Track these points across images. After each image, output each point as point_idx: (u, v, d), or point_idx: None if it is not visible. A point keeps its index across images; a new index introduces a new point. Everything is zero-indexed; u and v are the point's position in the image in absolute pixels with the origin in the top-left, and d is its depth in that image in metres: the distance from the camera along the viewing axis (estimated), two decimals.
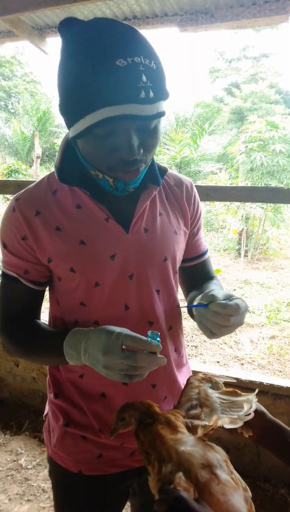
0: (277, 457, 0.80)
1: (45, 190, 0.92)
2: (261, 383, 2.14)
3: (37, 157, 14.10)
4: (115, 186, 0.84)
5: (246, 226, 7.64)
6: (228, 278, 6.30)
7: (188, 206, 1.03)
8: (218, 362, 3.50)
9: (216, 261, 7.61)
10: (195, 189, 1.07)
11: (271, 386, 2.12)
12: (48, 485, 2.12)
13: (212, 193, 2.07)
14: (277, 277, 6.56)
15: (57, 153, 0.94)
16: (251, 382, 2.14)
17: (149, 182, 0.94)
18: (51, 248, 0.89)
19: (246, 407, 0.75)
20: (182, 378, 1.05)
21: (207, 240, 9.26)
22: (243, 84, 25.03)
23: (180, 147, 10.44)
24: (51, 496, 2.05)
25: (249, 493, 0.67)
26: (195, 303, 0.89)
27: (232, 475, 0.66)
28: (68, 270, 0.89)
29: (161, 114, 0.76)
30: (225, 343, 3.91)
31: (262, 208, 7.21)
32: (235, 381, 0.84)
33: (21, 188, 0.96)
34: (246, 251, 7.80)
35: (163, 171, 1.00)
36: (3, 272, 0.95)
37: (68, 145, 0.92)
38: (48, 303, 1.02)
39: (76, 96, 0.73)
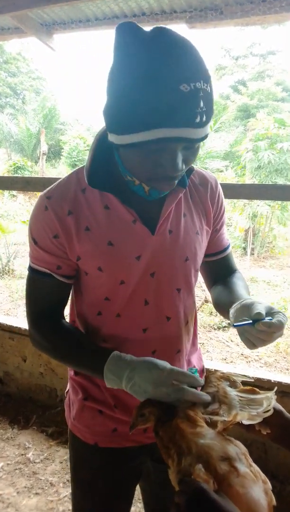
0: None
1: (75, 188, 0.93)
2: (268, 381, 2.14)
3: (43, 154, 14.13)
4: (149, 193, 0.88)
5: (252, 224, 7.62)
6: None
7: (211, 205, 1.05)
8: (224, 359, 3.50)
9: None
10: (219, 187, 1.09)
11: (279, 383, 2.12)
12: (56, 478, 2.14)
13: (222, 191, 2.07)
14: (284, 275, 6.54)
15: (88, 154, 0.95)
16: (258, 379, 2.15)
17: (177, 184, 0.95)
18: (81, 247, 0.92)
19: (265, 403, 0.75)
20: (195, 361, 1.12)
21: None
22: (250, 82, 24.88)
23: None
24: (59, 490, 2.07)
25: (269, 485, 0.67)
26: (231, 312, 0.90)
27: (251, 468, 0.67)
28: (96, 269, 0.93)
29: (207, 135, 0.80)
30: (232, 341, 3.91)
31: (269, 206, 7.19)
32: (253, 380, 0.85)
33: (30, 185, 0.98)
34: (252, 249, 7.78)
35: (189, 170, 1.01)
36: (32, 269, 0.98)
37: (100, 147, 0.93)
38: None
39: (133, 109, 0.74)
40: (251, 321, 0.81)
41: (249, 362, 3.46)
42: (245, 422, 0.72)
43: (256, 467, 0.68)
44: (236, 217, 8.54)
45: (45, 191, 0.96)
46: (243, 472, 0.64)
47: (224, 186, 2.20)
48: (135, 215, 0.92)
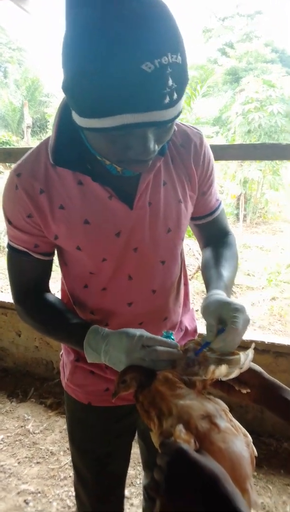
0: (276, 415, 0.81)
1: (45, 163, 0.86)
2: (262, 342, 2.15)
3: (28, 127, 13.78)
4: (122, 172, 0.83)
5: (244, 190, 7.55)
6: None
7: (195, 167, 0.97)
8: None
9: None
10: (205, 144, 0.99)
11: (273, 344, 2.13)
12: (56, 447, 2.17)
13: None
14: (277, 240, 6.54)
15: (51, 130, 0.87)
16: (252, 341, 2.15)
17: None
18: (56, 226, 0.88)
19: (242, 357, 0.75)
20: (187, 322, 1.13)
21: None
22: (238, 44, 24.17)
23: None
24: (60, 458, 2.10)
25: (250, 438, 0.68)
26: (201, 306, 0.86)
27: (231, 423, 0.67)
28: (75, 248, 0.90)
29: (180, 112, 0.71)
30: None
31: (260, 170, 7.10)
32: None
33: (12, 157, 0.92)
34: (244, 216, 7.74)
35: None
36: (11, 246, 0.95)
37: (64, 121, 0.83)
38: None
39: (92, 93, 0.64)
40: (208, 342, 0.80)
41: None
42: (223, 378, 0.72)
43: (236, 422, 0.69)
44: (227, 184, 8.46)
45: (14, 166, 0.89)
46: (223, 427, 0.65)
47: (212, 147, 2.14)
48: (111, 191, 0.86)
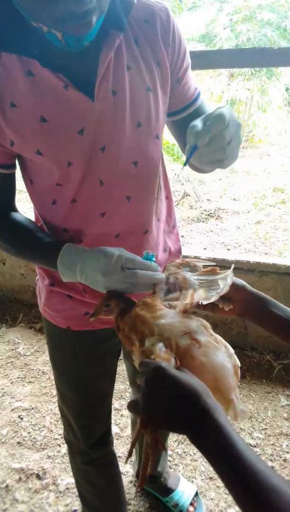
0: (261, 327, 0.81)
1: None
2: (247, 262, 2.17)
3: None
4: (66, 42, 0.69)
5: None
6: None
7: (165, 47, 0.83)
8: (205, 248, 3.54)
9: None
10: (172, 19, 0.85)
11: (258, 263, 2.15)
12: (47, 367, 2.24)
13: (192, 60, 1.85)
14: (263, 164, 6.40)
15: None
16: (238, 261, 2.16)
17: (109, 26, 0.74)
18: (11, 129, 0.77)
19: (221, 283, 0.72)
20: (169, 244, 1.08)
21: None
22: None
23: None
24: (51, 377, 2.17)
25: (231, 350, 0.67)
26: (185, 155, 0.75)
27: (212, 337, 0.67)
28: (35, 154, 0.79)
29: None
30: (212, 231, 3.92)
31: (248, 89, 6.75)
32: (214, 263, 0.82)
33: None
34: None
35: (127, 4, 0.77)
36: None
37: (4, 6, 0.70)
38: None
39: None
40: (194, 146, 0.69)
41: (229, 250, 3.50)
42: (204, 302, 0.69)
43: (217, 336, 0.68)
44: (214, 106, 8.08)
45: None
46: (204, 341, 0.64)
47: (195, 54, 1.97)
48: (65, 79, 0.74)
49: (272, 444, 1.78)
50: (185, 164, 0.76)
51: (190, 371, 0.60)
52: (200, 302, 0.70)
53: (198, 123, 0.69)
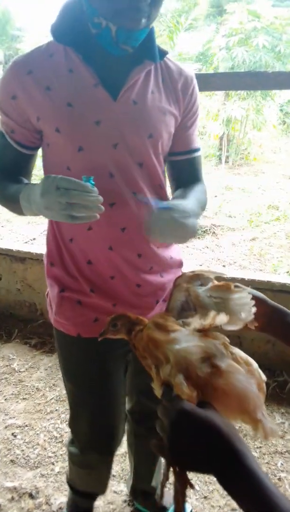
0: (282, 342, 0.78)
1: (42, 52, 0.95)
2: (242, 279, 2.18)
3: None
4: (116, 38, 0.85)
5: (227, 130, 7.36)
6: (209, 185, 6.12)
7: (183, 95, 1.03)
8: (201, 265, 3.56)
9: None
10: (195, 83, 1.07)
11: (253, 281, 2.17)
12: (42, 384, 2.23)
13: None
14: (258, 182, 6.49)
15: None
16: (233, 278, 2.18)
17: (145, 57, 0.95)
18: (40, 106, 0.93)
19: (243, 314, 0.69)
20: (171, 254, 1.14)
21: None
22: None
23: None
24: (46, 394, 2.16)
25: (254, 366, 0.64)
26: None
27: (233, 356, 0.64)
28: (54, 130, 0.93)
29: None
30: (207, 247, 3.95)
31: (244, 109, 6.89)
32: (226, 275, 0.81)
33: None
34: (227, 157, 7.60)
35: (163, 52, 1.00)
36: None
37: (68, 5, 0.93)
38: None
39: None
40: (162, 206, 0.83)
41: (225, 266, 3.53)
42: (228, 327, 0.67)
43: (238, 352, 0.66)
44: (210, 125, 8.22)
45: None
46: (225, 367, 0.61)
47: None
48: (97, 78, 0.91)
49: (267, 463, 1.78)
50: (161, 207, 0.86)
51: (213, 400, 0.58)
52: (220, 326, 0.66)
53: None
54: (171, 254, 1.14)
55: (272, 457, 1.80)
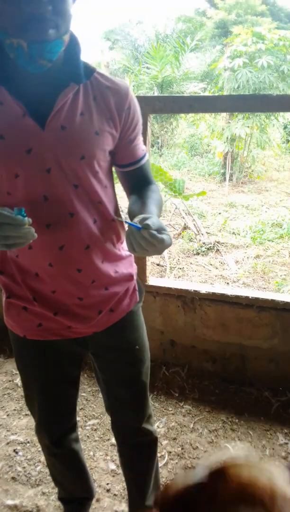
0: None
1: None
2: (246, 297, 2.19)
3: None
4: (30, 53, 0.86)
5: (231, 148, 7.44)
6: (213, 203, 6.25)
7: (118, 111, 1.05)
8: (204, 281, 3.57)
9: (201, 186, 7.51)
10: (131, 96, 1.09)
11: (256, 299, 2.17)
12: None
13: (196, 104, 1.94)
14: (262, 199, 6.53)
15: None
16: (237, 296, 2.19)
17: (69, 80, 0.97)
18: None
19: None
20: (116, 268, 1.19)
21: (190, 165, 9.05)
22: None
23: (161, 65, 9.79)
24: None
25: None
26: (135, 220, 0.96)
27: None
28: None
29: None
30: (211, 264, 3.96)
31: (248, 127, 6.97)
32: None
33: None
34: (231, 175, 7.67)
35: (90, 70, 1.02)
36: None
37: None
38: None
39: None
40: (140, 227, 0.90)
41: (228, 283, 3.53)
42: None
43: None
44: (214, 142, 8.31)
45: None
46: None
47: (199, 99, 2.08)
48: (24, 109, 0.94)
49: None
50: (125, 222, 0.98)
51: None
52: None
53: (154, 225, 0.90)
54: (117, 268, 1.19)
55: None
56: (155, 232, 0.89)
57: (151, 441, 1.43)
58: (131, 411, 1.36)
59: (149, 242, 0.89)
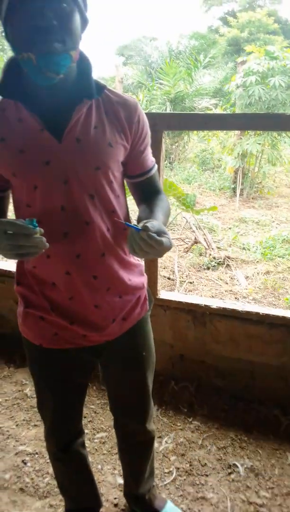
0: None
1: None
2: (257, 313, 2.19)
3: None
4: (38, 65, 0.91)
5: (242, 164, 7.48)
6: (223, 217, 6.27)
7: (128, 124, 1.11)
8: (214, 296, 3.57)
9: (211, 200, 7.54)
10: (140, 111, 1.14)
11: (267, 316, 2.17)
12: None
13: (210, 122, 1.98)
14: (272, 215, 6.54)
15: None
16: (247, 312, 2.19)
17: (83, 96, 1.04)
18: None
19: None
20: (129, 276, 1.23)
21: (201, 179, 9.11)
22: (240, 13, 23.41)
23: (174, 81, 9.93)
24: None
25: None
26: (139, 224, 0.99)
27: None
28: (11, 175, 1.06)
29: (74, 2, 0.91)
30: (221, 279, 3.97)
31: (259, 144, 7.01)
32: None
33: None
34: (241, 190, 7.69)
35: (101, 87, 1.09)
36: None
37: (11, 63, 1.02)
38: None
39: None
40: (139, 228, 0.93)
41: (238, 298, 3.53)
42: None
43: None
44: (225, 158, 8.36)
45: None
46: None
47: (214, 116, 2.12)
48: (42, 124, 1.01)
49: (279, 505, 1.74)
50: (125, 224, 1.02)
51: None
52: None
53: (154, 228, 0.94)
54: (130, 276, 1.24)
55: (284, 498, 1.76)
56: (154, 234, 0.92)
57: (150, 439, 1.51)
58: (134, 413, 1.43)
59: (148, 243, 0.92)
